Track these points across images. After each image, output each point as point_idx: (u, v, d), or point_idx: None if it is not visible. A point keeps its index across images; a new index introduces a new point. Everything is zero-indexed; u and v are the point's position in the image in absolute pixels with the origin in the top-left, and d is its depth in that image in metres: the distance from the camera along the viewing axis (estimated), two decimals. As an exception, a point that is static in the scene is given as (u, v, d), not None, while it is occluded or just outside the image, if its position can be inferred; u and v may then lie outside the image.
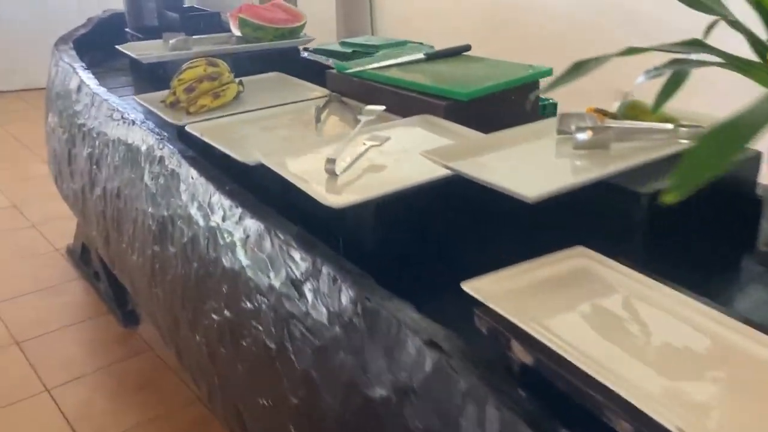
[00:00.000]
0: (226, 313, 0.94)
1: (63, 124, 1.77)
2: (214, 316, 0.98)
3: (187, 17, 1.88)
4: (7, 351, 1.72)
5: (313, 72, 1.55)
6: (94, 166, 1.54)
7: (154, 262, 1.20)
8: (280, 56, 1.53)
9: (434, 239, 0.85)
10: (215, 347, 0.99)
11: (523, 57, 2.74)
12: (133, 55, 1.43)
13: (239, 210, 0.96)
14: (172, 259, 1.12)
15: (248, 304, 0.89)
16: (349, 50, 1.96)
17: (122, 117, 1.42)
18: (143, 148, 1.28)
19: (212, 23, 1.94)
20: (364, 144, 0.96)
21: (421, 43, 2.58)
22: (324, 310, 0.75)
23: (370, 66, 1.26)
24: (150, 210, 1.21)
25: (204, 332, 1.02)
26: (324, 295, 0.76)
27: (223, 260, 0.96)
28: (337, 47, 2.04)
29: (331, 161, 0.86)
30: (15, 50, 4.53)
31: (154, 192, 1.20)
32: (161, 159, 1.21)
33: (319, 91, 1.33)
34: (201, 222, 1.03)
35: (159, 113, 1.21)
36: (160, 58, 1.42)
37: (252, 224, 0.92)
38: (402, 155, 0.95)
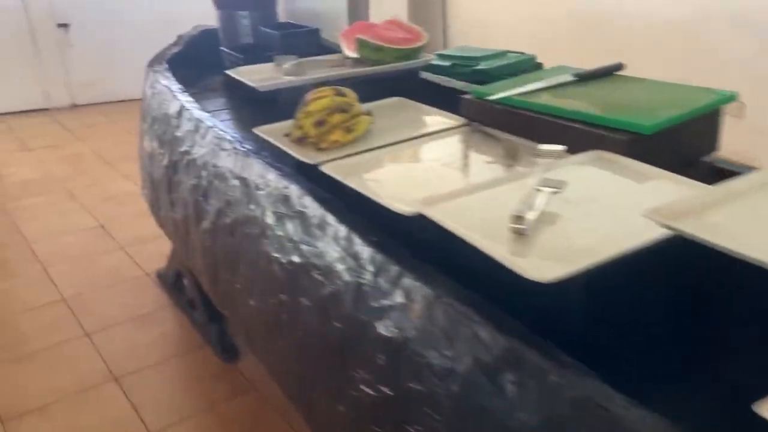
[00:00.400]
0: (384, 389, 0.81)
1: (162, 150, 1.69)
2: (366, 389, 0.85)
3: (286, 35, 1.78)
4: (107, 388, 1.64)
5: (433, 94, 1.42)
6: (201, 198, 1.44)
7: (279, 312, 1.09)
8: (400, 79, 1.40)
9: (656, 319, 0.71)
10: (366, 423, 0.86)
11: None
12: (249, 83, 1.32)
13: (395, 267, 0.83)
14: (305, 313, 1.00)
15: (417, 385, 0.76)
16: (448, 63, 1.83)
17: (234, 148, 1.32)
18: (262, 183, 1.18)
19: (311, 41, 1.84)
20: (539, 190, 0.82)
21: (522, 53, 2.43)
22: (536, 412, 0.61)
23: (516, 91, 1.12)
24: (275, 254, 1.10)
25: (351, 404, 0.89)
26: (534, 391, 0.62)
27: (378, 326, 0.83)
28: (434, 60, 1.90)
29: (519, 219, 0.72)
30: (91, 63, 4.58)
31: (281, 234, 1.09)
32: (287, 198, 1.10)
33: (453, 119, 1.20)
34: (345, 276, 0.91)
35: (288, 150, 1.10)
36: (277, 85, 1.31)
37: (414, 287, 0.79)
38: (590, 205, 0.81)
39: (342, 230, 0.95)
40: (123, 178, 3.12)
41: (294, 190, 1.08)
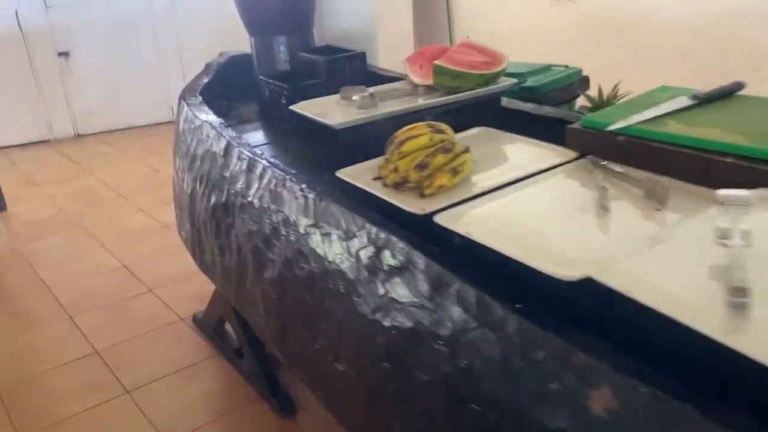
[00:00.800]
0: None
1: (207, 190, 1.56)
2: (527, 488, 0.72)
3: (332, 61, 1.65)
4: (159, 456, 1.50)
5: (515, 121, 1.30)
6: (262, 245, 1.31)
7: (383, 383, 0.96)
8: (480, 106, 1.27)
9: None
10: None
11: (635, 73, 2.42)
12: (325, 122, 1.18)
13: (559, 343, 0.70)
14: (423, 389, 0.87)
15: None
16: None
17: (302, 190, 1.19)
18: (345, 233, 1.04)
19: (357, 65, 1.71)
20: (725, 245, 0.69)
21: (567, 66, 2.31)
22: None
23: (638, 119, 0.99)
24: (374, 316, 0.96)
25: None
26: None
27: (542, 415, 0.70)
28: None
29: (740, 292, 0.59)
30: (93, 92, 4.46)
31: (380, 293, 0.96)
32: (382, 251, 0.97)
33: (556, 151, 1.07)
34: (483, 349, 0.78)
35: (387, 199, 0.96)
36: (355, 122, 1.18)
37: (592, 369, 0.66)
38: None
39: (470, 292, 0.81)
40: (140, 213, 2.98)
41: (394, 242, 0.95)
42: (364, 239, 1.01)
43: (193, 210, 1.67)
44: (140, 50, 4.55)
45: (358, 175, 1.06)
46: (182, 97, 1.85)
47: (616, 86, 2.01)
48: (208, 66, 2.08)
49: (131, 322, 2.06)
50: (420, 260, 0.90)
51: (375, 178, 1.03)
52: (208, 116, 1.66)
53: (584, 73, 2.35)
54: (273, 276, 1.27)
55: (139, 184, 3.40)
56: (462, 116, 1.22)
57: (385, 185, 1.00)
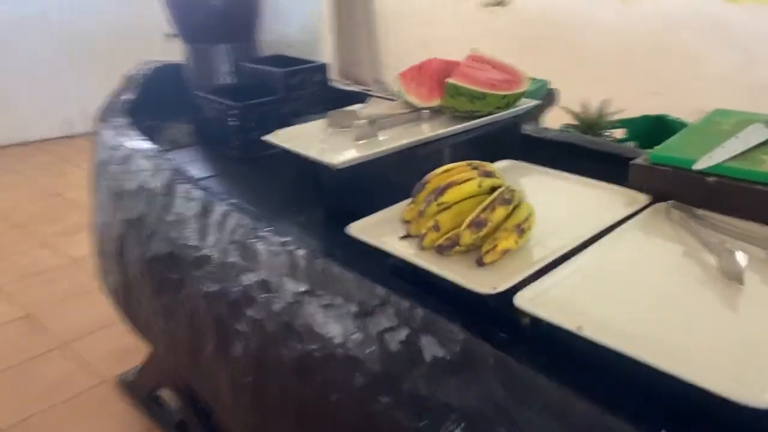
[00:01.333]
0: None
1: (141, 237, 1.25)
2: None
3: (292, 73, 1.39)
4: None
5: (535, 150, 1.08)
6: (226, 312, 1.03)
7: None
8: (501, 134, 1.04)
9: None
10: None
11: (573, 83, 2.28)
12: (323, 161, 0.89)
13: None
14: None
15: None
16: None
17: (283, 244, 0.93)
18: (357, 307, 0.79)
19: (318, 79, 1.46)
20: None
21: (534, 78, 2.14)
22: None
23: (726, 154, 0.80)
24: (419, 425, 0.71)
25: None
26: None
27: None
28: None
29: None
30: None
31: (421, 393, 0.71)
32: (418, 337, 0.73)
33: (621, 194, 0.85)
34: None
35: (442, 273, 0.71)
36: (359, 159, 0.90)
37: None
38: None
39: (580, 407, 0.58)
40: (41, 247, 2.56)
41: (441, 324, 0.71)
42: (392, 317, 0.76)
43: (122, 260, 1.35)
44: (32, 57, 4.05)
45: (376, 231, 0.80)
46: (102, 118, 1.53)
47: (604, 102, 1.85)
48: (129, 79, 1.75)
49: (40, 388, 1.70)
50: (487, 353, 0.66)
51: (403, 237, 0.77)
52: (138, 143, 1.35)
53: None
54: (245, 353, 0.99)
55: (38, 211, 2.96)
56: (482, 147, 0.98)
57: (422, 248, 0.75)
